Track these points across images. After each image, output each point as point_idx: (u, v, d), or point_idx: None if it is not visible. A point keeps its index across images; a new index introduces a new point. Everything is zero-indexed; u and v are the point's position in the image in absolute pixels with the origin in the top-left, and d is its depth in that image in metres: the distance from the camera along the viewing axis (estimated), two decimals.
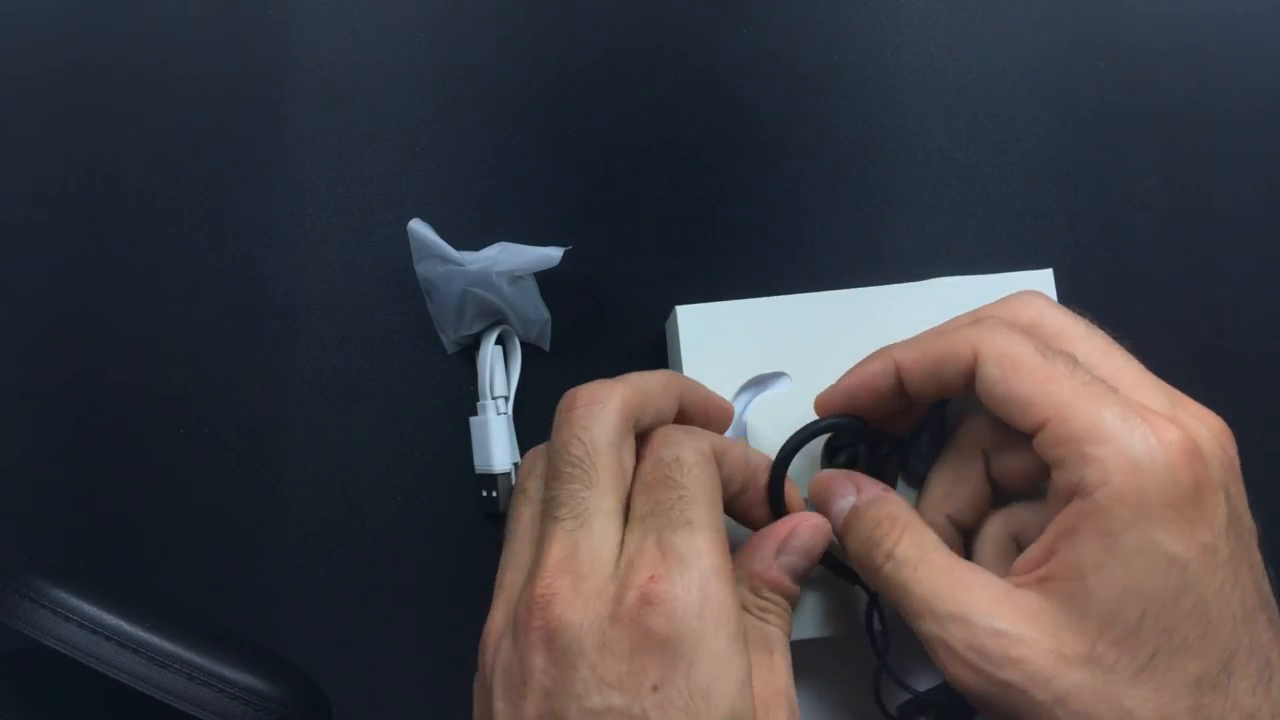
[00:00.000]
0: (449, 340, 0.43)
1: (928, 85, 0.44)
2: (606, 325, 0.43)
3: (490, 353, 0.41)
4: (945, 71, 0.44)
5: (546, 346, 0.43)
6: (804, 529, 0.32)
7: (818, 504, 0.34)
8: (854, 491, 0.33)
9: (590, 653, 0.26)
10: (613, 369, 0.32)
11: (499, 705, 0.28)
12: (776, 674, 0.30)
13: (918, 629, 0.29)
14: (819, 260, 0.43)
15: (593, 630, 0.26)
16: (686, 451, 0.30)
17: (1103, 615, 0.27)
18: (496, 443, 0.41)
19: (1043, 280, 0.38)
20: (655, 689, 0.25)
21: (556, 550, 0.28)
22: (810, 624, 0.36)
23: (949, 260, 0.43)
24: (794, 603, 0.32)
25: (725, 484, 0.31)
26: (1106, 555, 0.27)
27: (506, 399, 0.42)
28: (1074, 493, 0.28)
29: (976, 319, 0.32)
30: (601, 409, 0.29)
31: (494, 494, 0.41)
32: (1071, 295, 0.42)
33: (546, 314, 0.42)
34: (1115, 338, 0.31)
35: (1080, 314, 0.32)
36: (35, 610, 0.36)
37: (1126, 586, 0.26)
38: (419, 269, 0.42)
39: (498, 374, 0.42)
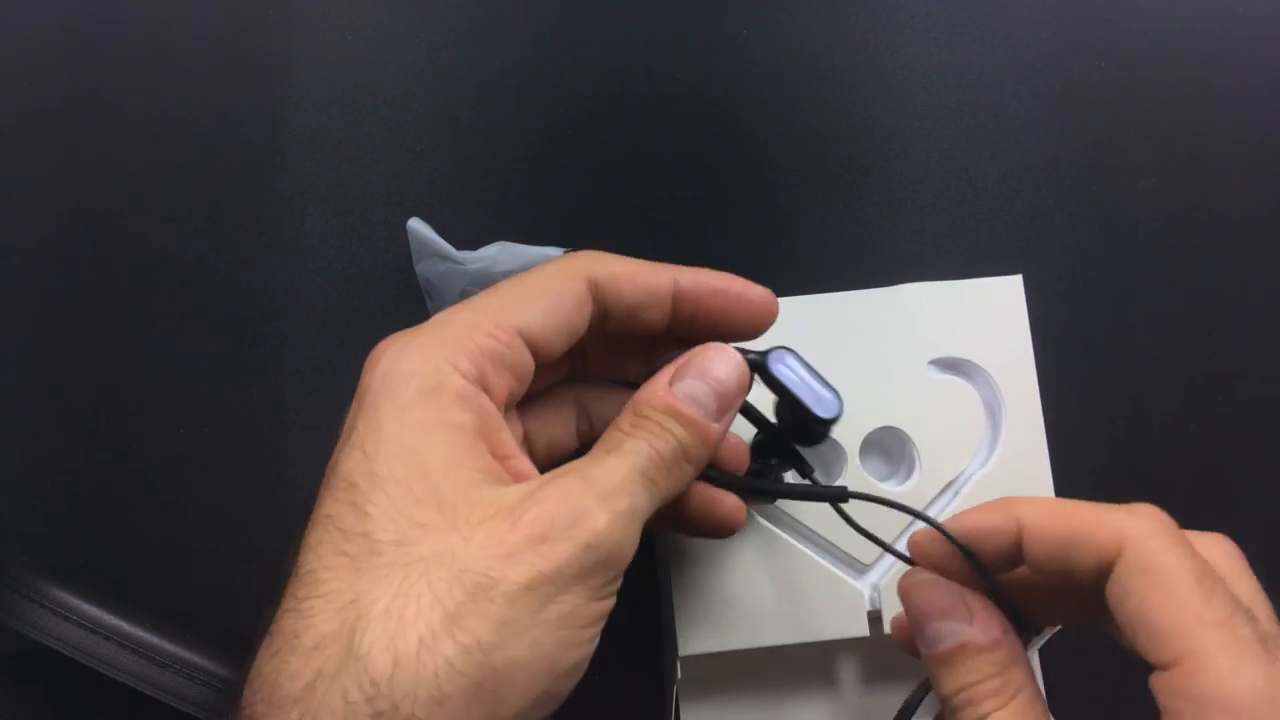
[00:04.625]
0: None
1: (928, 85, 0.44)
2: None
3: None
4: (945, 71, 0.44)
5: None
6: (698, 357, 0.29)
7: (907, 603, 0.29)
8: (968, 618, 0.28)
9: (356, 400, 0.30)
10: None
11: None
12: (603, 469, 0.27)
13: None
14: (819, 260, 0.43)
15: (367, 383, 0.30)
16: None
17: None
18: None
19: (1012, 286, 0.37)
20: (352, 428, 0.29)
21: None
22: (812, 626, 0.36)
23: (949, 260, 0.43)
24: (695, 429, 0.28)
25: (613, 304, 0.30)
26: None
27: None
28: None
29: (1134, 508, 0.26)
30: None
31: None
32: (1071, 295, 0.42)
33: None
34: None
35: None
36: (35, 610, 0.36)
37: None
38: (419, 269, 0.42)
39: None
